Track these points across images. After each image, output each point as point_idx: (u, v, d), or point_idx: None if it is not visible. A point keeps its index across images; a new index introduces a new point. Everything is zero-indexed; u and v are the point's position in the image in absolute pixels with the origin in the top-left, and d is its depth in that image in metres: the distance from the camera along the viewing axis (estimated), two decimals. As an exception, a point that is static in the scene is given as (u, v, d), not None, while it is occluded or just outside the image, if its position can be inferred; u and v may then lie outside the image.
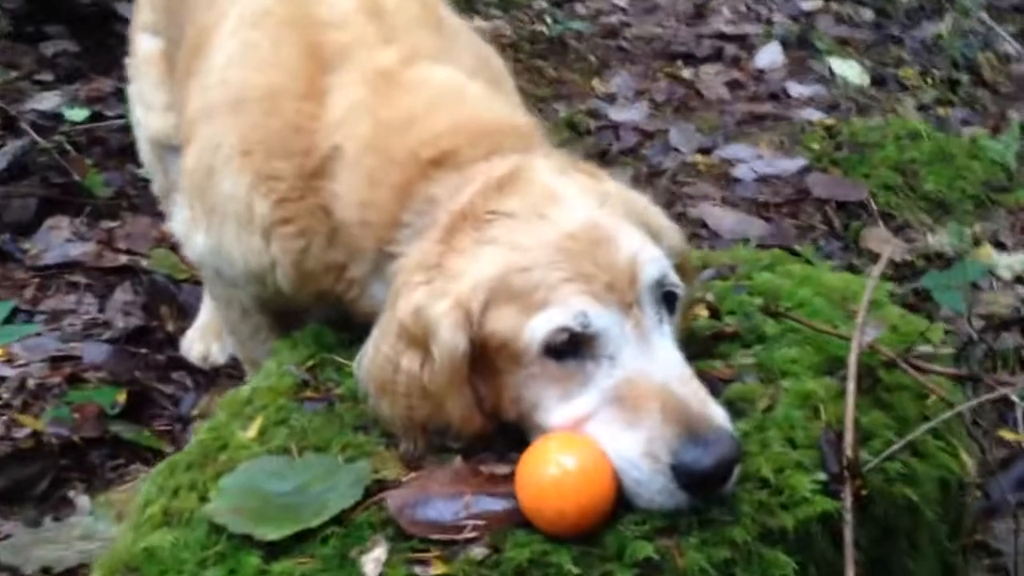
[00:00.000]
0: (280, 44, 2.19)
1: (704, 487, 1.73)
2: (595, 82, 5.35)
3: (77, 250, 3.77)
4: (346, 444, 2.00)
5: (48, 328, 3.40)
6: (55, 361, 3.22)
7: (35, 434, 2.83)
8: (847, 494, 1.80)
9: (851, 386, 1.90)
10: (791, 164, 4.37)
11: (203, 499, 1.91)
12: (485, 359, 1.87)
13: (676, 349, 1.87)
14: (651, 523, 1.75)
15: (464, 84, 2.17)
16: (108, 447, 2.93)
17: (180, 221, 2.45)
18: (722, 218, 4.03)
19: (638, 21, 6.19)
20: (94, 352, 3.29)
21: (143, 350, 3.40)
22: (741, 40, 5.94)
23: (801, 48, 5.74)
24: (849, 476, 1.80)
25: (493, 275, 1.83)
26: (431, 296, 1.86)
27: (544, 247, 1.83)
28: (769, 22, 6.11)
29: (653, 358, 1.81)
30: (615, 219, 1.90)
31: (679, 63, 5.67)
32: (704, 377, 2.00)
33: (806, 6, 6.21)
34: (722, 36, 5.96)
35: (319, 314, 2.41)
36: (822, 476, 1.82)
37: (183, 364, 3.39)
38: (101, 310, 3.53)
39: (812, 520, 1.78)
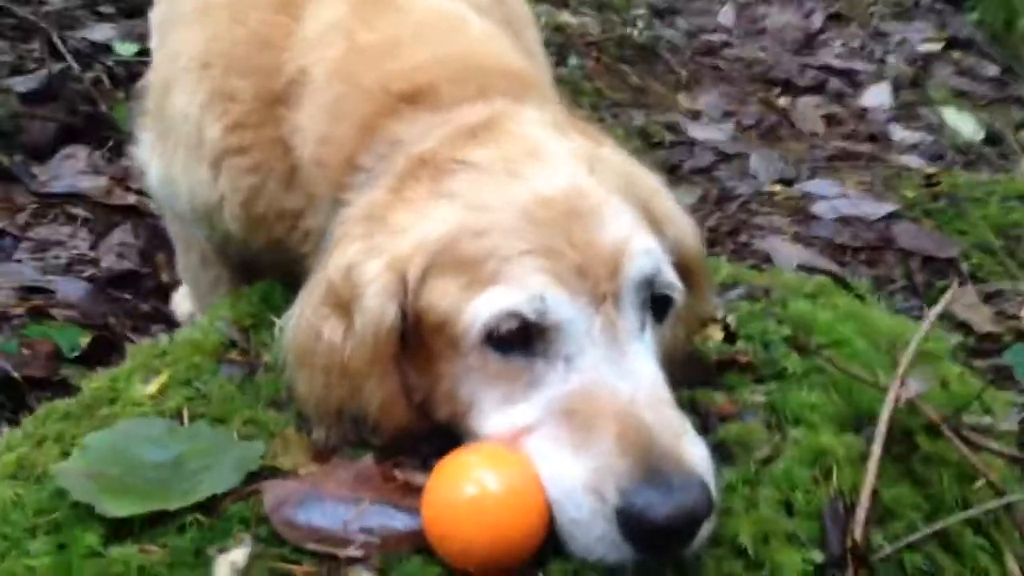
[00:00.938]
0: (259, -56, 1.86)
1: (656, 544, 1.33)
2: (681, 97, 4.95)
3: (87, 182, 3.51)
4: (250, 419, 1.66)
5: (30, 256, 3.12)
6: (25, 291, 2.93)
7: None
8: (846, 583, 1.38)
9: (876, 448, 1.49)
10: (878, 208, 3.89)
11: (65, 454, 1.58)
12: (420, 338, 1.51)
13: (655, 365, 1.48)
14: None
15: (464, 16, 1.81)
16: (51, 390, 2.61)
17: (142, 146, 2.14)
18: (790, 255, 3.57)
19: (741, 43, 5.79)
20: (70, 288, 2.99)
21: (126, 295, 3.09)
22: (848, 76, 5.48)
23: (912, 93, 5.26)
24: (852, 562, 1.38)
25: (440, 235, 1.46)
26: (365, 253, 1.50)
27: (507, 209, 1.46)
28: (882, 61, 5.63)
29: (622, 369, 1.42)
30: (605, 192, 1.51)
31: (776, 90, 5.24)
32: (696, 409, 1.62)
33: (924, 49, 5.72)
34: (828, 69, 5.52)
35: (278, 270, 2.06)
36: (818, 556, 1.41)
37: (166, 318, 3.07)
38: (93, 247, 3.25)
39: (795, 608, 1.37)
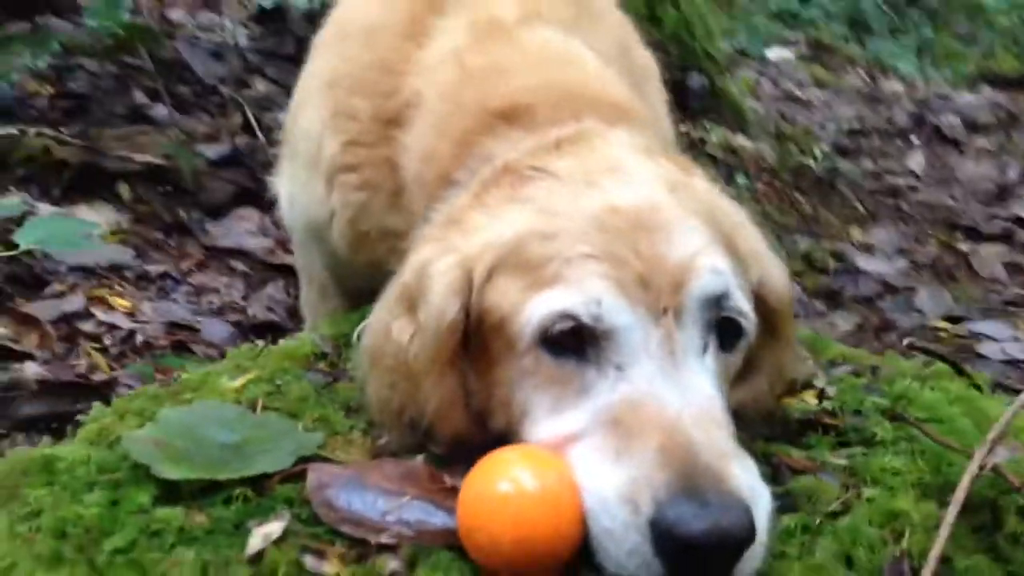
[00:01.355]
0: (396, -21, 1.97)
1: (688, 564, 1.25)
2: (854, 230, 4.84)
3: (252, 241, 3.70)
4: (320, 417, 1.68)
5: (186, 299, 3.30)
6: (173, 327, 3.09)
7: (86, 375, 2.66)
8: (899, 644, 1.26)
9: (953, 510, 1.37)
10: (1054, 356, 3.68)
11: (141, 427, 1.63)
12: (481, 341, 1.50)
13: (713, 387, 1.42)
14: (610, 592, 1.30)
15: (580, 53, 1.84)
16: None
17: (278, 175, 2.25)
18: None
19: (927, 188, 5.63)
20: (214, 329, 3.15)
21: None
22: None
23: None
24: (908, 621, 1.27)
25: (509, 237, 1.47)
26: (438, 252, 1.52)
27: (577, 216, 1.45)
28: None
29: (675, 384, 1.37)
30: (682, 211, 1.49)
31: (958, 234, 5.05)
32: (768, 460, 1.53)
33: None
34: (1018, 220, 5.29)
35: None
36: (871, 614, 1.30)
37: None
38: (245, 298, 3.40)
39: (838, 663, 1.26)
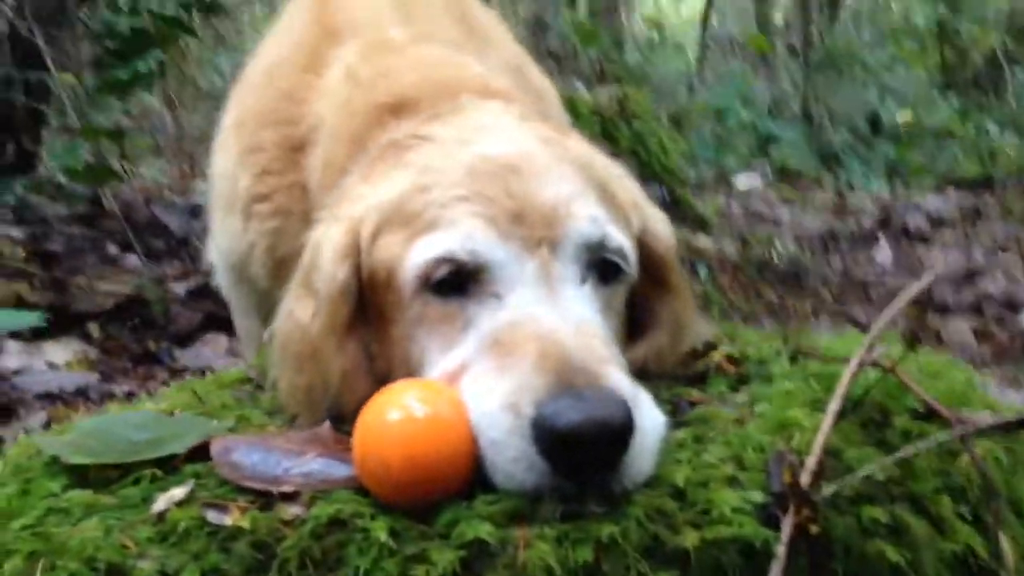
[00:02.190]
0: (296, 20, 2.11)
1: (572, 458, 1.27)
2: (823, 317, 4.89)
3: (220, 362, 3.76)
4: (241, 416, 1.70)
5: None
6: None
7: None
8: (787, 522, 1.27)
9: (833, 406, 1.40)
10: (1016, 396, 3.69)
11: (65, 441, 1.67)
12: (376, 305, 1.56)
13: (592, 312, 1.47)
14: (504, 505, 1.31)
15: (467, 60, 1.95)
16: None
17: (209, 236, 2.34)
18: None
19: (896, 278, 5.71)
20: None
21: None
22: (1009, 303, 5.29)
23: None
24: (794, 498, 1.28)
25: (392, 197, 1.54)
26: (327, 225, 1.60)
27: (452, 167, 1.53)
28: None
29: (552, 307, 1.42)
30: (555, 159, 1.56)
31: (928, 312, 5.10)
32: (667, 400, 1.57)
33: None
34: (987, 296, 5.34)
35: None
36: (757, 496, 1.31)
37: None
38: (208, 412, 3.43)
39: (725, 544, 1.27)
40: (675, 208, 5.40)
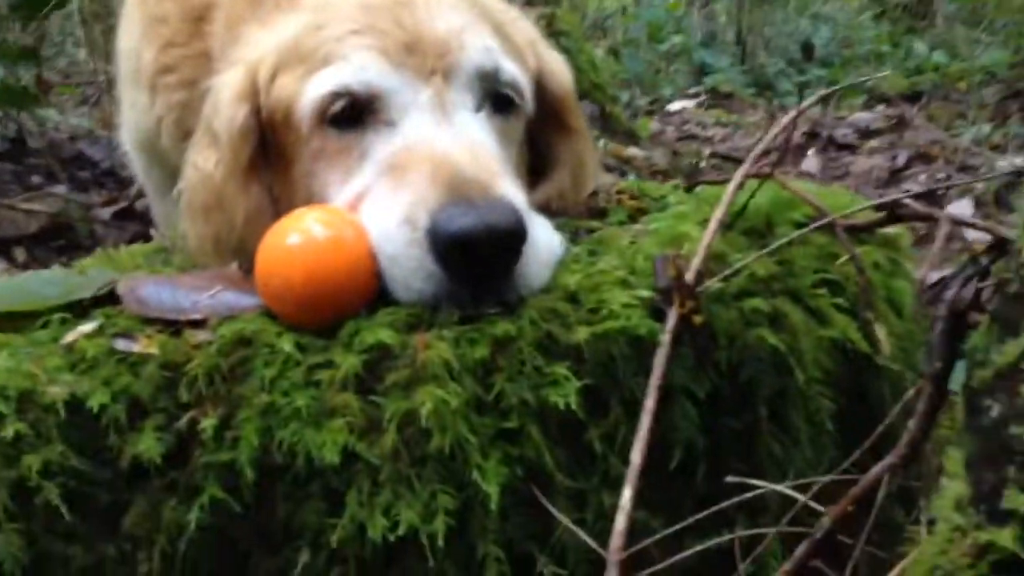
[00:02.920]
0: None
1: (467, 263, 1.32)
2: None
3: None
4: (151, 272, 1.72)
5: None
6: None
7: None
8: (671, 313, 1.33)
9: (717, 213, 1.45)
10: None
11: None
12: (277, 146, 1.59)
13: (487, 136, 1.51)
14: (402, 313, 1.36)
15: None
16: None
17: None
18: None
19: (824, 184, 5.80)
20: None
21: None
22: (930, 196, 5.40)
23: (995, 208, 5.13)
24: (678, 292, 1.33)
25: (286, 37, 1.57)
26: (225, 73, 1.62)
27: (347, 4, 1.56)
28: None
29: (446, 130, 1.46)
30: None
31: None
32: (566, 228, 1.61)
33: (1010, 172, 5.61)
34: (908, 194, 5.45)
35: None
36: (644, 292, 1.36)
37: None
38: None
39: (615, 336, 1.32)
40: (606, 122, 5.46)
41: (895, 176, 5.90)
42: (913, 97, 8.54)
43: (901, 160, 6.11)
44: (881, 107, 8.34)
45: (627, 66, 7.93)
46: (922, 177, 5.89)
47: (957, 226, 1.52)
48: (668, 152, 5.44)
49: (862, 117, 7.72)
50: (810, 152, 6.47)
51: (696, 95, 9.17)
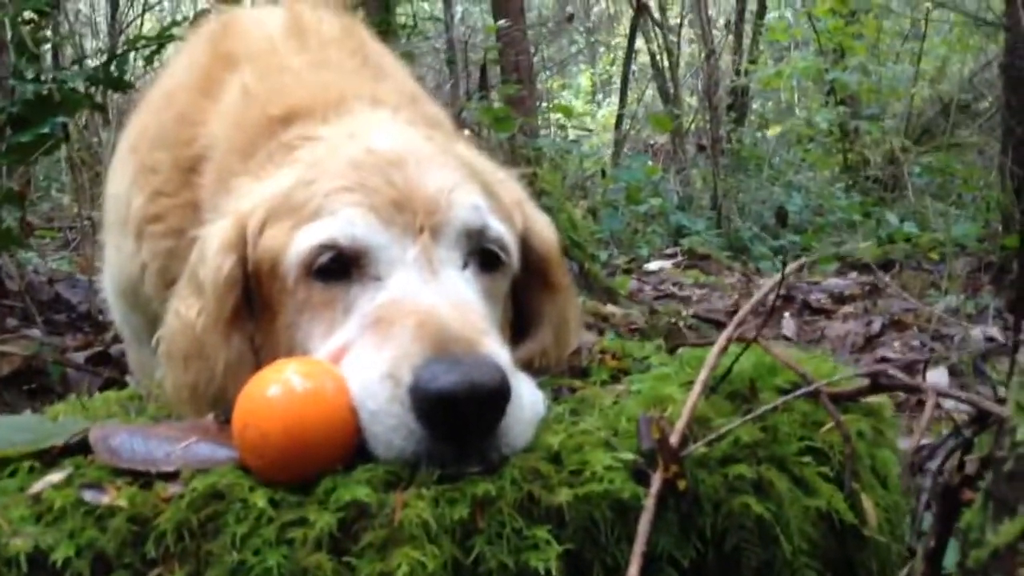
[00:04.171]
0: (194, 51, 2.15)
1: (449, 421, 1.30)
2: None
3: (122, 427, 3.68)
4: (124, 422, 1.70)
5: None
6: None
7: None
8: (656, 477, 1.31)
9: (701, 375, 1.45)
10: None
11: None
12: (262, 297, 1.58)
13: (473, 295, 1.51)
14: (381, 471, 1.33)
15: (360, 79, 1.99)
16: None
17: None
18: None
19: (803, 348, 5.85)
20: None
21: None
22: (907, 368, 5.44)
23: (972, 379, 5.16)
24: (662, 455, 1.32)
25: (278, 191, 1.59)
26: (214, 222, 1.63)
27: (337, 161, 1.58)
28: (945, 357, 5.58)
29: (432, 288, 1.47)
30: (439, 153, 1.62)
31: (830, 376, 5.21)
32: (549, 386, 1.61)
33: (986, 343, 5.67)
34: (885, 360, 5.50)
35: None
36: (628, 455, 1.35)
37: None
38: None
39: (597, 499, 1.30)
40: (585, 280, 5.51)
41: (870, 342, 5.94)
42: (885, 265, 8.70)
43: (876, 327, 6.18)
44: (854, 274, 8.50)
45: (605, 225, 8.05)
46: (896, 344, 5.95)
47: (942, 398, 1.51)
48: (646, 310, 5.47)
49: (836, 283, 7.86)
50: (786, 315, 6.54)
51: (673, 255, 9.31)
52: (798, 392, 1.43)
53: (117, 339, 4.39)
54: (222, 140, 1.89)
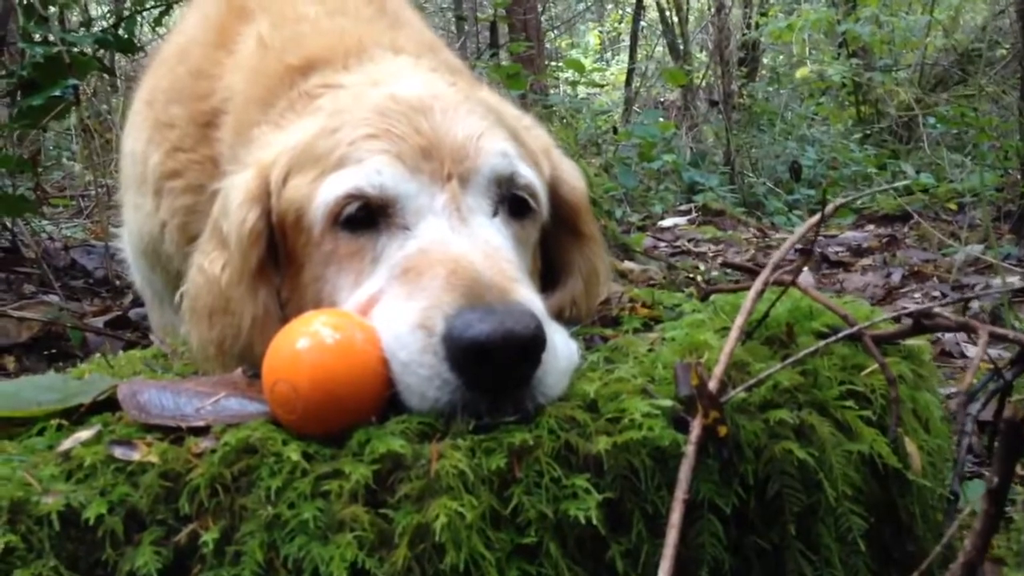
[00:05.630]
0: (206, 4, 2.11)
1: (483, 370, 1.27)
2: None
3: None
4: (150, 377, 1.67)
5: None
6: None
7: None
8: (695, 423, 1.28)
9: (738, 320, 1.42)
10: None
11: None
12: (287, 249, 1.55)
13: (503, 240, 1.48)
14: (415, 423, 1.31)
15: (377, 27, 1.95)
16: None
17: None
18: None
19: (820, 300, 5.80)
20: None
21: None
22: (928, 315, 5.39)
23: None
24: (701, 400, 1.29)
25: (301, 140, 1.55)
26: (236, 174, 1.59)
27: (361, 108, 1.54)
28: (966, 307, 5.53)
29: (462, 234, 1.43)
30: (464, 100, 1.58)
31: (850, 328, 5.18)
32: (581, 335, 1.58)
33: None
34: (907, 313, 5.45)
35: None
36: (666, 403, 1.32)
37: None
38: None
39: (636, 447, 1.27)
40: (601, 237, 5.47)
41: (891, 293, 5.89)
42: (902, 217, 8.63)
43: (896, 278, 6.13)
44: (871, 226, 8.44)
45: (620, 183, 8.00)
46: (917, 295, 5.90)
47: (992, 338, 1.48)
48: (663, 266, 5.43)
49: (853, 236, 7.79)
50: (804, 269, 6.48)
51: (687, 212, 9.25)
52: (840, 334, 1.39)
53: (135, 303, 4.38)
54: (240, 92, 1.86)
